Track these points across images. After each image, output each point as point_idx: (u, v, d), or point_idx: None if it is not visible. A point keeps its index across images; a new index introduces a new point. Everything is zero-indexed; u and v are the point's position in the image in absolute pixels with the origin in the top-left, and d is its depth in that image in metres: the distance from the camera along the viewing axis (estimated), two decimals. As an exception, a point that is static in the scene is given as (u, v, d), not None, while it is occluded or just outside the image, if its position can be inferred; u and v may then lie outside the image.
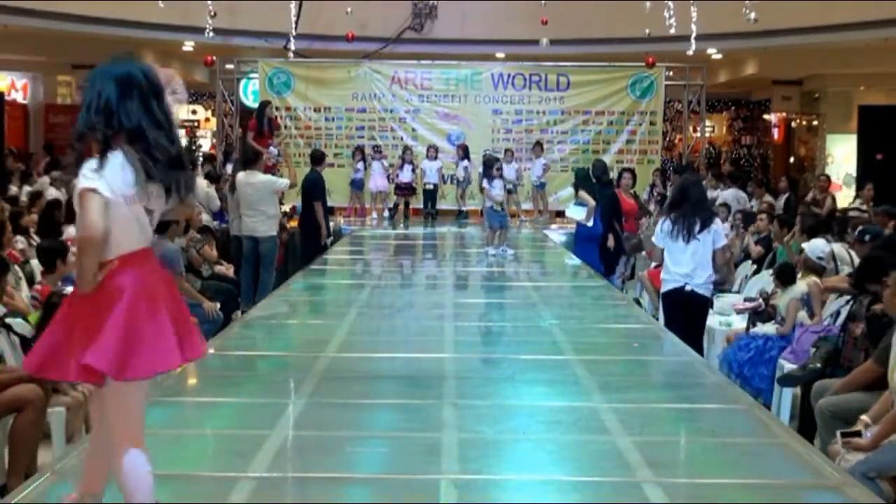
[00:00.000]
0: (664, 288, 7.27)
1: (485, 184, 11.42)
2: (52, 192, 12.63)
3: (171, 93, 3.17)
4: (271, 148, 13.90)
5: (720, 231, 7.23)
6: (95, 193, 2.91)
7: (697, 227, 6.99)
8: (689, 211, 7.05)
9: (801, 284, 7.26)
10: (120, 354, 2.90)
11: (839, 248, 8.19)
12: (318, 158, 12.11)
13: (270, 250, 10.27)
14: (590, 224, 11.14)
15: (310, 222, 11.52)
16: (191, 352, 3.13)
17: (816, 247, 7.43)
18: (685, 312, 7.10)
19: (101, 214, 2.92)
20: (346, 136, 17.01)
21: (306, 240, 11.67)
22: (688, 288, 7.01)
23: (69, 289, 6.03)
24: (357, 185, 16.28)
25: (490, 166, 11.37)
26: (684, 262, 7.01)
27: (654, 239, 7.42)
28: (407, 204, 16.46)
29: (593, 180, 11.42)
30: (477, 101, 17.10)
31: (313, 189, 11.53)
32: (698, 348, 7.04)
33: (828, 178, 14.47)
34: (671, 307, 7.20)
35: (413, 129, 17.06)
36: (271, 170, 12.51)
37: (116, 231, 2.99)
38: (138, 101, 3.03)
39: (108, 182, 2.94)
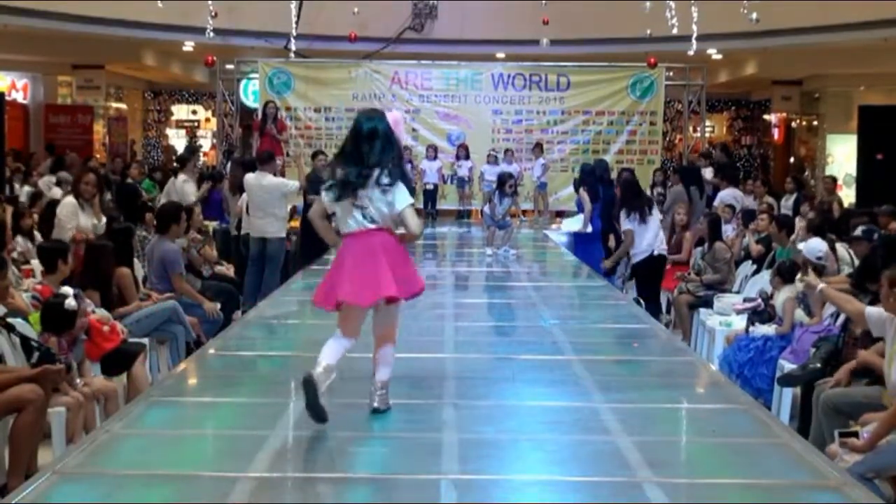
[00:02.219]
0: (635, 259, 9.32)
1: (495, 198, 11.47)
2: (58, 193, 12.61)
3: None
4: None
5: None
6: (318, 199, 4.77)
7: (648, 211, 9.28)
8: (639, 200, 9.36)
9: (798, 284, 7.25)
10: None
11: (840, 248, 8.19)
12: (313, 158, 12.16)
13: (278, 252, 10.25)
14: (589, 230, 11.28)
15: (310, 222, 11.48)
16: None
17: (814, 247, 7.42)
18: (650, 271, 9.35)
19: (314, 211, 4.92)
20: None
21: (306, 240, 11.64)
22: (656, 252, 9.27)
23: (66, 289, 6.05)
24: None
25: (504, 183, 11.39)
26: (647, 237, 9.21)
27: (626, 227, 9.29)
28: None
29: (597, 178, 11.47)
30: (477, 101, 17.11)
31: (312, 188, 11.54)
32: (657, 297, 9.55)
33: (833, 180, 14.46)
34: (643, 271, 9.36)
35: (413, 130, 17.04)
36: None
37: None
38: (347, 144, 4.65)
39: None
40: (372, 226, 4.54)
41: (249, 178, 10.28)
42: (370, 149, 4.53)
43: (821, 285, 5.96)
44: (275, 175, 10.47)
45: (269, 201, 10.10)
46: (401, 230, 4.64)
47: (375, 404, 4.70)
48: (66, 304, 5.76)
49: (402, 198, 4.52)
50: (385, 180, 4.49)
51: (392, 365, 4.77)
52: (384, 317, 4.71)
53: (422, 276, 4.85)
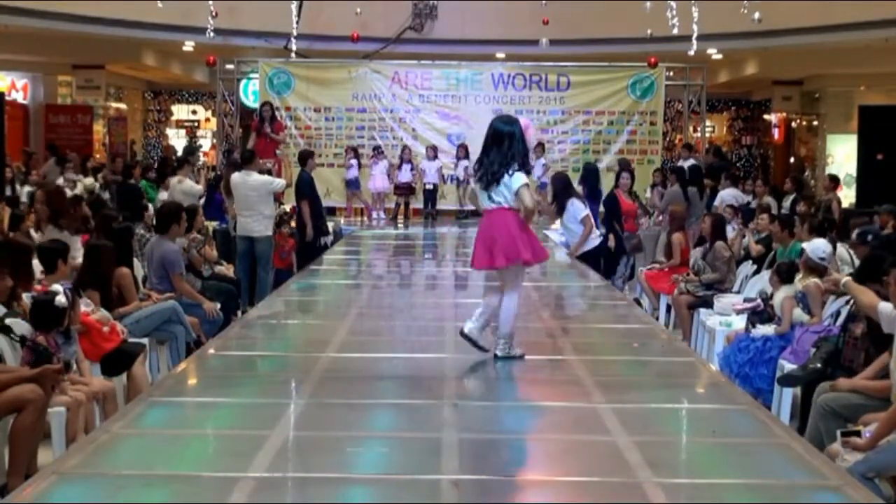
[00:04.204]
0: (593, 245, 10.31)
1: None
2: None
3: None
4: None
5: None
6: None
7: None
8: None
9: (798, 284, 7.25)
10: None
11: (840, 248, 8.19)
12: (303, 158, 12.10)
13: (266, 250, 10.29)
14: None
15: (304, 222, 11.54)
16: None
17: (818, 247, 7.40)
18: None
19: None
20: (346, 136, 17.01)
21: (303, 240, 11.67)
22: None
23: (56, 286, 6.02)
24: (353, 185, 16.27)
25: None
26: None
27: (585, 214, 10.25)
28: (407, 204, 16.47)
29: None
30: (477, 101, 17.08)
31: (300, 188, 11.54)
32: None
33: (832, 179, 14.46)
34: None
35: (413, 129, 17.06)
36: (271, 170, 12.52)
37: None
38: (488, 143, 5.68)
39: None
40: (494, 206, 5.64)
41: (235, 177, 10.40)
42: (505, 148, 5.58)
43: (844, 279, 6.00)
44: (261, 173, 10.56)
45: (255, 199, 10.17)
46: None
47: (497, 351, 5.70)
48: (57, 301, 5.73)
49: (517, 181, 5.54)
50: (510, 173, 5.53)
51: (510, 320, 5.71)
52: (505, 274, 5.80)
53: (525, 248, 5.64)
